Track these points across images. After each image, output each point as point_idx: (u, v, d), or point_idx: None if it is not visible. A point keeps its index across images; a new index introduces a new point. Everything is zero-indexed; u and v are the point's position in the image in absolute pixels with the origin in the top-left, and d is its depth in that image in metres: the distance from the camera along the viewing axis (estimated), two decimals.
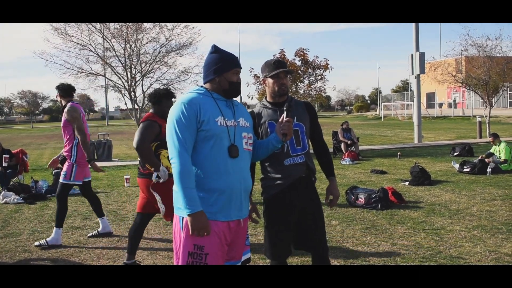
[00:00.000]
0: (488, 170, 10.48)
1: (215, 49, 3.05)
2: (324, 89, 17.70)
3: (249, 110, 3.42)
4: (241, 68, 3.06)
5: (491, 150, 11.43)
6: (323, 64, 17.19)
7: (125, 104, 18.42)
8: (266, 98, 3.60)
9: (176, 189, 2.82)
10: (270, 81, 3.46)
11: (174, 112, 2.87)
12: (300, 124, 3.48)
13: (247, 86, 17.98)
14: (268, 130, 3.43)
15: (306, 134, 3.52)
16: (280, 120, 3.23)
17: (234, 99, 3.12)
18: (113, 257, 5.55)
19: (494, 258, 5.05)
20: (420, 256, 5.17)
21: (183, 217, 2.81)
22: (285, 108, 3.25)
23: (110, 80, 17.67)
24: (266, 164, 3.49)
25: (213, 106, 2.91)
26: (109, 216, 7.70)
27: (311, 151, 3.62)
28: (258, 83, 17.55)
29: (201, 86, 3.05)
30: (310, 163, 3.52)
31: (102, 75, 17.57)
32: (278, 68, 3.42)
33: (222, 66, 2.98)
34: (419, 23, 20.13)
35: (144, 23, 16.61)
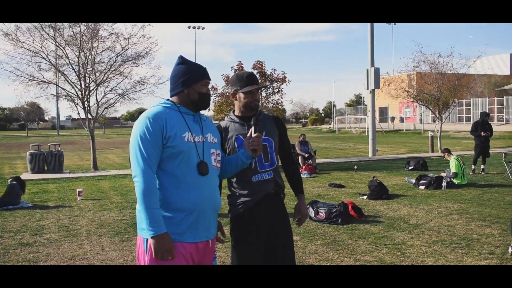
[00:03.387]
0: (443, 184, 10.68)
1: (182, 60, 2.90)
2: (282, 102, 17.77)
3: (216, 123, 3.28)
4: (210, 79, 2.92)
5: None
6: (281, 77, 17.27)
7: (78, 113, 17.84)
8: (233, 112, 3.46)
9: (139, 208, 2.64)
10: (241, 95, 3.33)
11: (138, 127, 2.69)
12: (268, 139, 3.35)
13: None
14: (236, 145, 3.29)
15: (274, 150, 3.39)
16: (248, 135, 3.11)
17: (202, 113, 2.97)
18: None
19: None
20: None
21: (147, 239, 2.63)
22: (252, 123, 3.13)
23: (63, 89, 17.02)
24: (233, 180, 3.34)
25: (180, 121, 2.76)
26: (61, 231, 7.33)
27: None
28: (215, 95, 17.42)
29: (168, 99, 2.89)
30: (279, 179, 3.40)
31: (54, 84, 16.93)
32: (251, 83, 3.31)
33: (191, 77, 2.83)
34: (374, 38, 20.55)
35: (99, 31, 16.17)
